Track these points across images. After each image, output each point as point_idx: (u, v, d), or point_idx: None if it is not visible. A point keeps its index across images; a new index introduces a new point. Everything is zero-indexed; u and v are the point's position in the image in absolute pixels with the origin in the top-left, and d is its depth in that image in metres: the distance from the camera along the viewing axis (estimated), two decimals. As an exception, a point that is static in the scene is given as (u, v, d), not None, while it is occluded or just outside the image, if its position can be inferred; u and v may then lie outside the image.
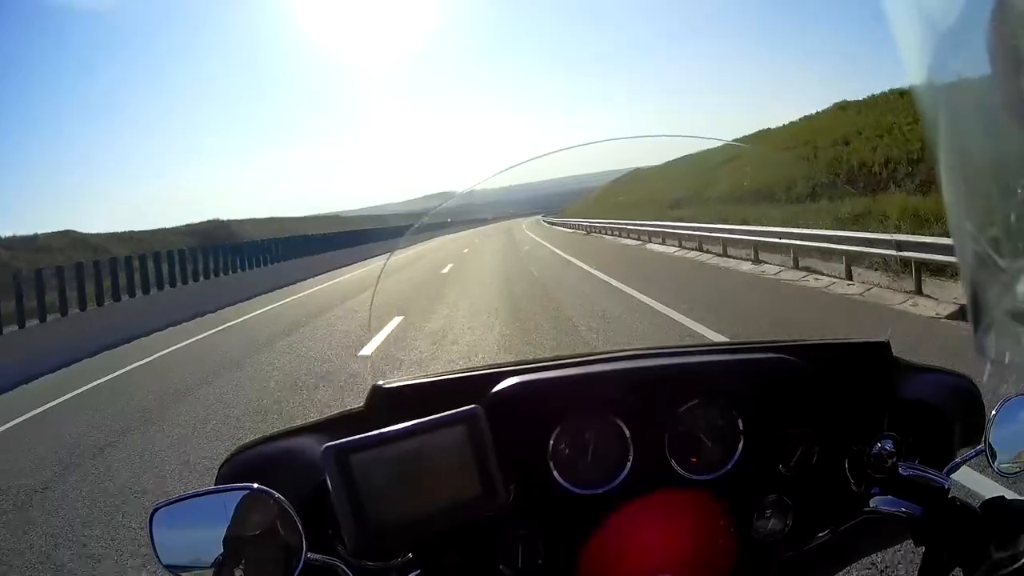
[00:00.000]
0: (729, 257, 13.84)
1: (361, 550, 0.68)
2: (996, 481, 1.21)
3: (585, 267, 15.08)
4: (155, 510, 0.66)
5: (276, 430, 0.85)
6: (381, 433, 0.67)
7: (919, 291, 7.78)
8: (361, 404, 0.82)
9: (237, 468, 0.80)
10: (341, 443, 0.66)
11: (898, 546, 0.95)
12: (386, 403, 0.80)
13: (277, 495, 0.65)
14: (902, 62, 0.38)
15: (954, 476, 0.83)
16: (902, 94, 18.19)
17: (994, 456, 0.80)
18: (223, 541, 0.65)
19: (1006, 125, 0.33)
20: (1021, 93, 0.32)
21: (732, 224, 14.63)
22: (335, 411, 0.86)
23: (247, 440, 0.84)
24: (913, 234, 8.38)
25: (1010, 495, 0.75)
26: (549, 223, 43.40)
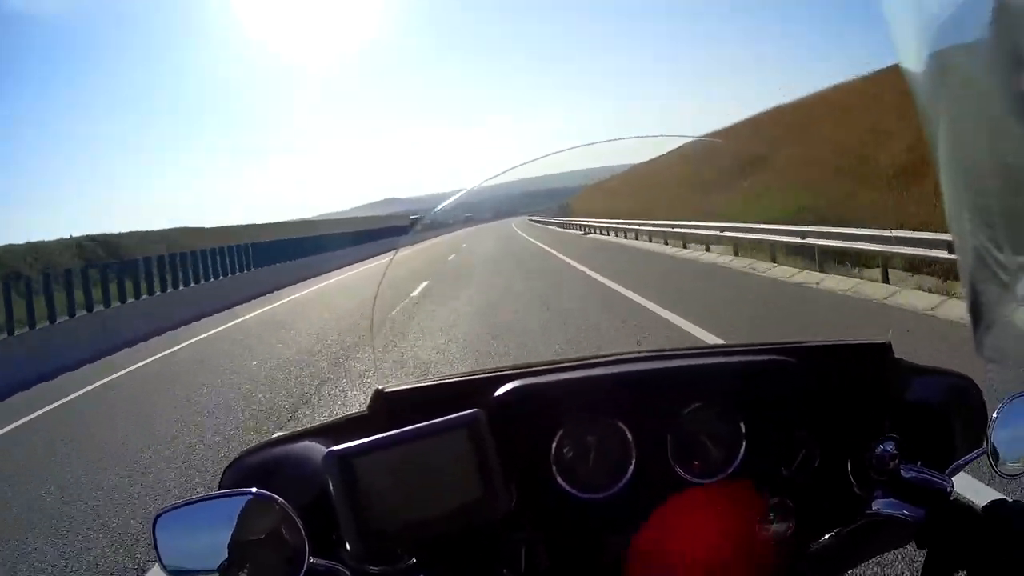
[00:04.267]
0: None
1: (363, 554, 0.68)
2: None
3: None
4: (158, 516, 0.66)
5: (280, 434, 0.86)
6: (382, 437, 0.67)
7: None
8: (364, 409, 0.83)
9: (241, 473, 0.80)
10: (343, 448, 0.66)
11: (901, 548, 0.94)
12: (389, 407, 0.80)
13: (280, 500, 0.65)
14: (901, 61, 0.38)
15: (956, 478, 0.83)
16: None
17: (996, 457, 0.80)
18: (227, 546, 0.65)
19: (1006, 125, 0.33)
20: (1021, 93, 0.32)
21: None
22: (339, 416, 0.87)
23: (252, 445, 0.84)
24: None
25: (1012, 497, 0.75)
26: (542, 222, 42.86)
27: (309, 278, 21.34)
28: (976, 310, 0.39)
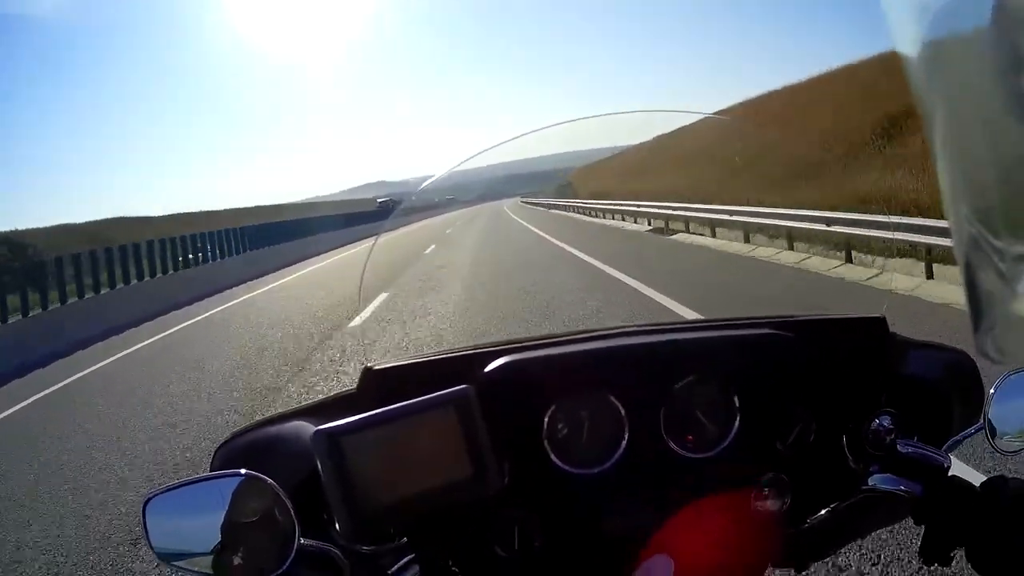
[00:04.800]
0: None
1: (353, 534, 0.68)
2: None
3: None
4: (147, 500, 0.65)
5: (270, 414, 0.85)
6: (370, 415, 0.67)
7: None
8: (353, 387, 0.82)
9: (232, 454, 0.80)
10: (331, 427, 0.65)
11: (898, 524, 0.94)
12: (378, 385, 0.79)
13: (269, 481, 0.65)
14: (897, 48, 0.37)
15: (953, 454, 0.82)
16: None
17: (994, 433, 0.80)
18: (218, 528, 0.64)
19: (1004, 117, 0.32)
20: (1021, 91, 0.31)
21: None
22: (328, 394, 0.86)
23: (241, 426, 0.84)
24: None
25: (1010, 474, 0.75)
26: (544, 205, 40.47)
27: (256, 277, 17.69)
28: (975, 306, 0.39)
